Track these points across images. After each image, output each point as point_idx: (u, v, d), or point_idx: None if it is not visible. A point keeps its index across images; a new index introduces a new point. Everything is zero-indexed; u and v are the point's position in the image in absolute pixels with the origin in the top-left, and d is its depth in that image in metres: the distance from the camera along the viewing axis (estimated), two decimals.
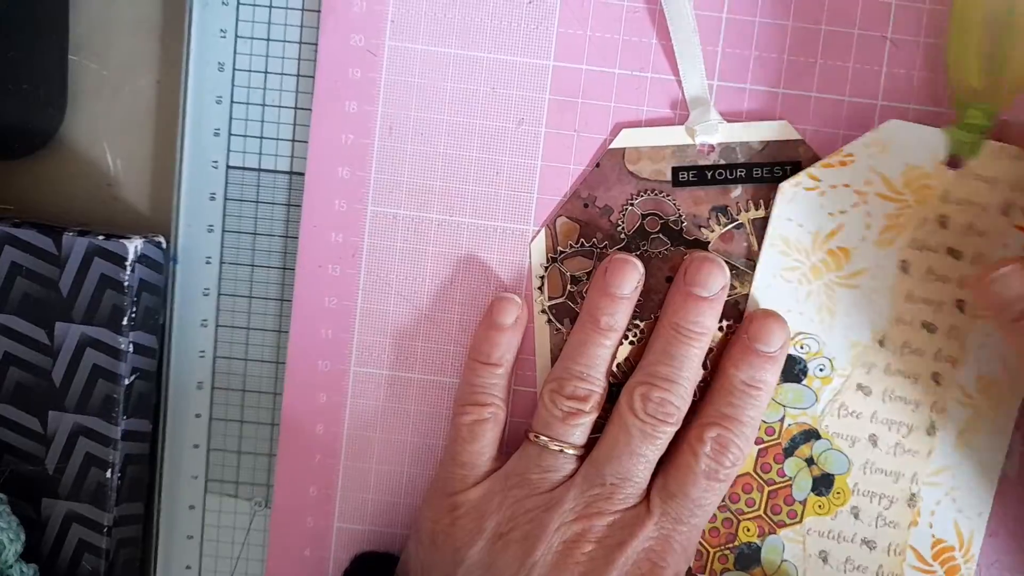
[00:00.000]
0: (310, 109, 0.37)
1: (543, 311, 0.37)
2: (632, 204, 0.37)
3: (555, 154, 0.37)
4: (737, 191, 0.37)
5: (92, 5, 0.38)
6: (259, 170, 0.38)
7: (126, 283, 0.36)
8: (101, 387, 0.36)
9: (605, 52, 0.37)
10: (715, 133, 0.36)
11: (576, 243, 0.37)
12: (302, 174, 0.38)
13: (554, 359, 0.37)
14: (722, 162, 0.37)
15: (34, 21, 0.37)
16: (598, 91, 0.37)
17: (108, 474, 0.36)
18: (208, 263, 0.38)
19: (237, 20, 0.37)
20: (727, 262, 0.36)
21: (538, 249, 0.37)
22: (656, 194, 0.37)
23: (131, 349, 0.36)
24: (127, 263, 0.36)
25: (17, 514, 0.35)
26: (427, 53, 0.37)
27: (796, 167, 0.36)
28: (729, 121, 0.37)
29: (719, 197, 0.37)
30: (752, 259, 0.37)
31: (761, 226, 0.37)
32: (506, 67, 0.37)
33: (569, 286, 0.37)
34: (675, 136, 0.37)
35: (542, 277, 0.37)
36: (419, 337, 0.38)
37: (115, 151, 0.39)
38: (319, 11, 0.37)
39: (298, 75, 0.38)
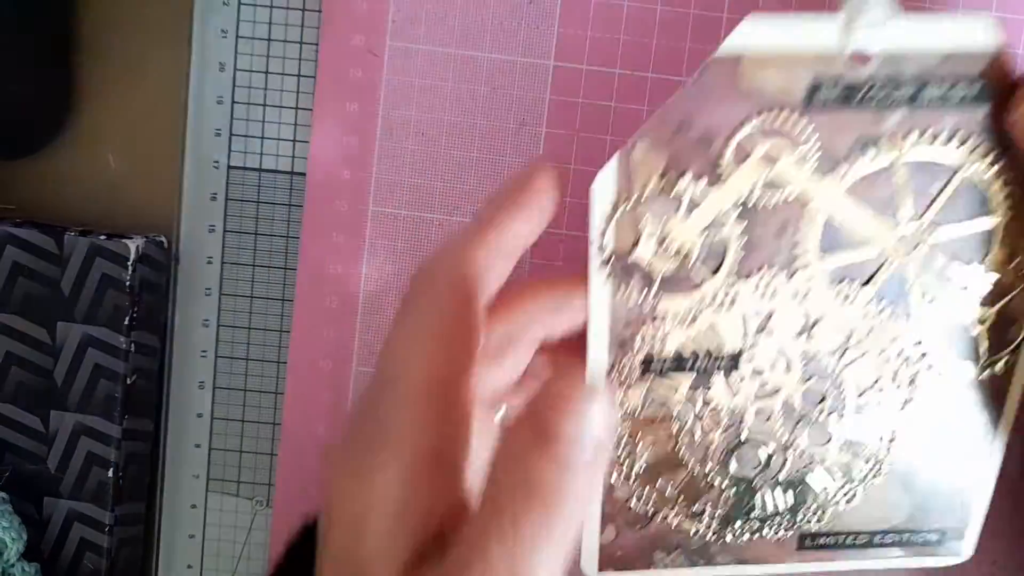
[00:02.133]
0: (311, 109, 0.37)
1: (605, 263, 0.28)
2: (743, 132, 0.27)
3: (556, 154, 0.37)
4: (895, 117, 0.27)
5: (94, 5, 0.38)
6: (260, 170, 0.38)
7: (128, 283, 0.36)
8: (103, 386, 0.36)
9: (606, 52, 0.37)
10: (880, 30, 0.26)
11: (659, 183, 0.28)
12: (303, 174, 0.38)
13: (613, 329, 0.29)
14: (882, 76, 0.27)
15: (37, 21, 0.37)
16: (599, 91, 0.37)
17: (110, 473, 0.36)
18: (209, 263, 0.38)
19: (238, 20, 0.37)
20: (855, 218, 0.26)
21: (605, 187, 0.28)
22: (779, 119, 0.27)
23: (132, 349, 0.36)
24: (129, 263, 0.36)
25: (19, 513, 0.36)
26: (428, 53, 0.37)
27: (982, 89, 0.27)
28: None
29: (869, 125, 0.27)
30: (897, 216, 0.28)
31: (923, 172, 0.28)
32: (507, 67, 0.37)
33: (643, 235, 0.28)
34: (821, 34, 0.26)
35: (606, 225, 0.28)
36: None
37: (117, 151, 0.39)
38: (320, 11, 0.37)
39: (299, 75, 0.38)
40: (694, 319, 0.29)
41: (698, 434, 0.30)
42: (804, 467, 0.31)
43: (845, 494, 0.31)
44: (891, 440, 0.31)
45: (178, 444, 0.39)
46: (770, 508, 0.32)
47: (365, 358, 0.38)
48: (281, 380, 0.39)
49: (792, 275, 0.29)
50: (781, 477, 0.31)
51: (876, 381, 0.30)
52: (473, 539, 0.22)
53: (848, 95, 0.27)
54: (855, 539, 0.32)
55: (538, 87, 0.37)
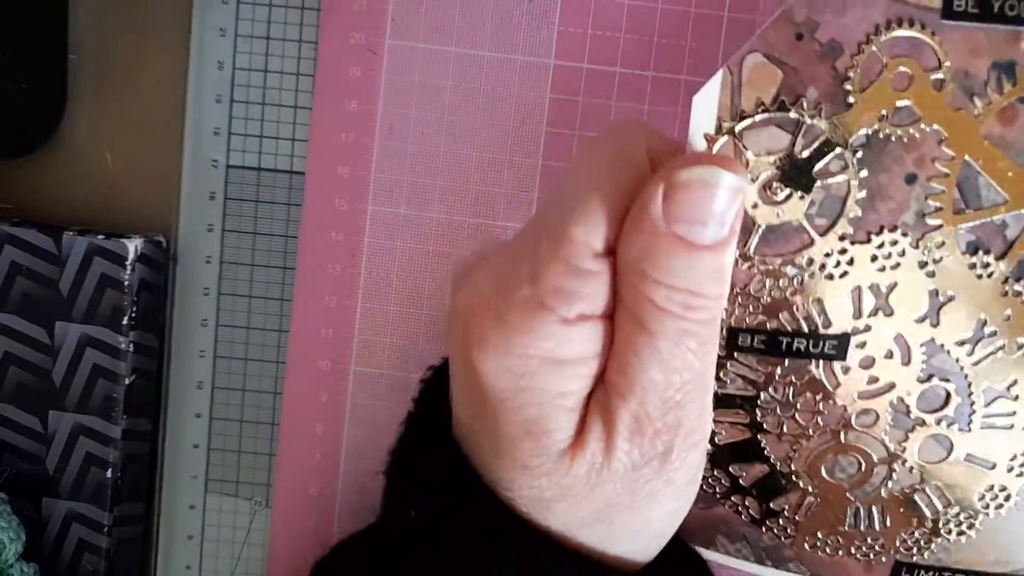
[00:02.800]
0: (310, 108, 0.37)
1: None
2: (877, 42, 0.22)
3: (556, 153, 0.37)
4: None
5: (91, 4, 0.38)
6: (259, 169, 0.38)
7: (126, 282, 0.36)
8: (101, 387, 0.36)
9: (606, 51, 0.37)
10: None
11: (772, 103, 0.23)
12: (302, 173, 0.38)
13: None
14: None
15: (33, 20, 0.36)
16: (599, 90, 0.37)
17: (108, 474, 0.36)
18: (208, 263, 0.38)
19: (237, 19, 0.37)
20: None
21: (706, 107, 0.23)
22: (915, 28, 0.22)
23: (131, 349, 0.36)
24: (127, 262, 0.36)
25: (17, 514, 0.35)
26: (428, 52, 0.37)
27: None
28: None
29: (1007, 47, 0.22)
30: None
31: None
32: (507, 66, 0.37)
33: (749, 172, 0.23)
34: None
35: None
36: (419, 337, 0.38)
37: (115, 150, 0.38)
38: (319, 9, 0.37)
39: (298, 74, 0.38)
40: (797, 286, 0.24)
41: (785, 428, 0.25)
42: (912, 485, 0.26)
43: (958, 524, 0.26)
44: (1023, 464, 0.26)
45: (177, 444, 0.39)
46: (861, 524, 0.26)
47: (364, 358, 0.38)
48: (280, 380, 0.39)
49: (921, 238, 0.23)
50: (883, 493, 0.26)
51: (1012, 386, 0.25)
52: (635, 351, 0.22)
53: (986, 4, 0.22)
54: None
55: (538, 86, 0.37)
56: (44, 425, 0.36)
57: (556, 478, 0.23)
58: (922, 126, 0.23)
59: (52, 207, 0.38)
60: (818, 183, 0.23)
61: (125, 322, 0.36)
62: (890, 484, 0.26)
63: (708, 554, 0.28)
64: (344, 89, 0.37)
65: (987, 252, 0.24)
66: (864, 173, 0.23)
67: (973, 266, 0.24)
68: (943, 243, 0.23)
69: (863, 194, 0.23)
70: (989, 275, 0.24)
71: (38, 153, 0.38)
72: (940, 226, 0.23)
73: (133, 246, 0.36)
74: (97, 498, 0.36)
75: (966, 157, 0.23)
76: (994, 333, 0.24)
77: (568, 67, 0.37)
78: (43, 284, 0.36)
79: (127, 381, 0.36)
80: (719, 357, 0.24)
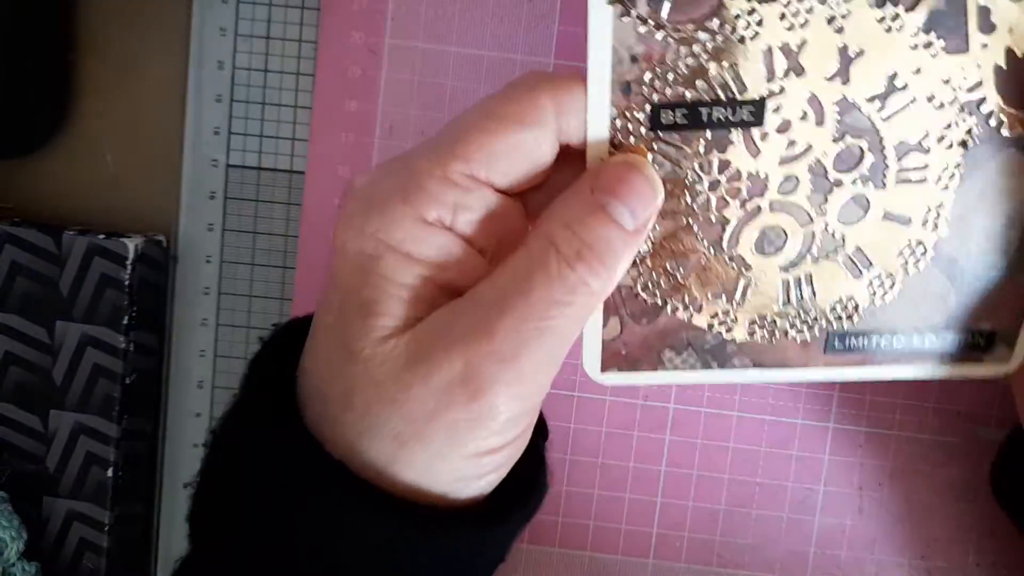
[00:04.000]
0: (310, 108, 0.37)
1: None
2: None
3: None
4: None
5: (92, 4, 0.38)
6: (259, 169, 0.38)
7: (126, 282, 0.36)
8: (102, 386, 0.36)
9: None
10: None
11: None
12: (302, 173, 0.38)
13: (616, 66, 0.24)
14: None
15: (35, 20, 0.36)
16: None
17: (109, 473, 0.36)
18: (208, 262, 0.38)
19: (237, 18, 0.37)
20: None
21: None
22: None
23: (131, 348, 0.36)
24: (127, 262, 0.36)
25: (18, 513, 0.36)
26: (427, 51, 0.37)
27: None
28: None
29: None
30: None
31: None
32: (507, 65, 0.37)
33: None
34: None
35: None
36: None
37: (115, 150, 0.38)
38: (319, 9, 0.37)
39: (298, 73, 0.38)
40: (711, 53, 0.24)
41: (713, 206, 0.26)
42: (834, 249, 0.26)
43: (881, 284, 0.27)
44: (937, 217, 0.26)
45: (177, 443, 0.39)
46: (793, 298, 0.27)
47: None
48: None
49: None
50: (808, 261, 0.27)
51: (923, 139, 0.25)
52: (513, 272, 0.24)
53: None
54: (891, 341, 0.27)
55: None
56: (45, 424, 0.36)
57: (373, 367, 0.24)
58: None
59: (53, 207, 0.38)
60: None
61: (125, 321, 0.36)
62: (814, 250, 0.26)
63: (657, 376, 0.28)
64: (344, 89, 0.37)
65: (896, 3, 0.24)
66: None
67: (882, 19, 0.24)
68: None
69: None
70: (899, 28, 0.24)
71: (39, 153, 0.38)
72: None
73: (133, 246, 0.36)
74: (98, 497, 0.37)
75: None
76: (905, 87, 0.24)
77: (568, 67, 0.37)
78: (43, 284, 0.36)
79: (127, 380, 0.36)
80: (644, 139, 0.25)
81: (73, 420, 0.36)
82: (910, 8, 0.24)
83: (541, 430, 0.28)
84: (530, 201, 0.26)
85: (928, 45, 0.24)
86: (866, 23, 0.24)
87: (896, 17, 0.24)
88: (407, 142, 0.37)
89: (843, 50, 0.24)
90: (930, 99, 0.25)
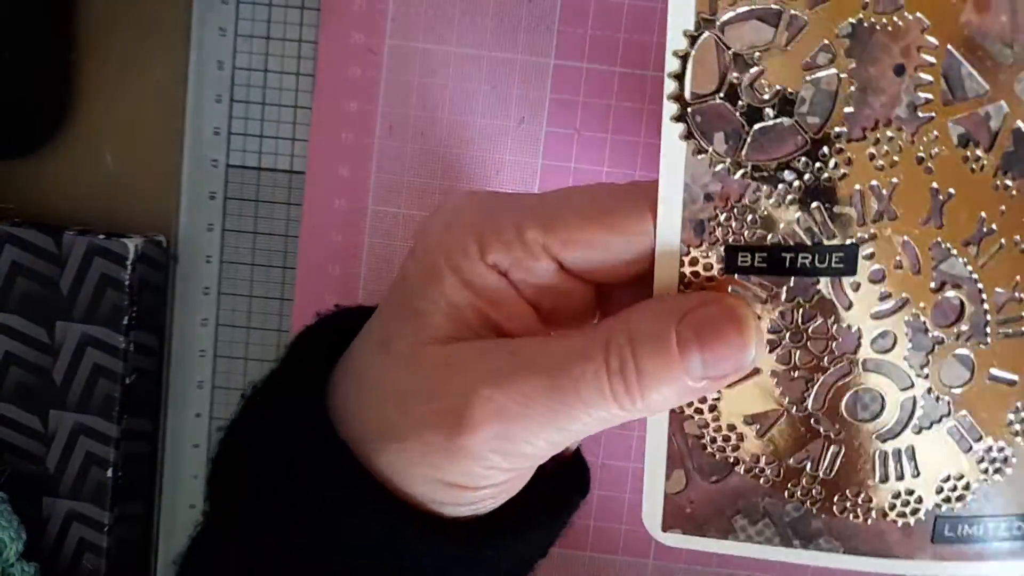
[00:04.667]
0: (310, 108, 0.37)
1: (678, 117, 0.22)
2: None
3: (556, 153, 0.37)
4: None
5: (92, 4, 0.38)
6: (259, 169, 0.38)
7: (126, 282, 0.36)
8: (102, 386, 0.36)
9: (606, 50, 0.37)
10: None
11: None
12: (302, 173, 0.38)
13: (688, 203, 0.23)
14: None
15: (34, 20, 0.36)
16: (599, 89, 0.37)
17: (109, 473, 0.36)
18: (208, 262, 0.38)
19: (237, 18, 0.37)
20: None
21: (683, 3, 0.22)
22: None
23: (131, 348, 0.36)
24: (127, 262, 0.36)
25: (18, 513, 0.36)
26: (427, 51, 0.37)
27: None
28: None
29: None
30: (1013, 46, 0.22)
31: None
32: (507, 65, 0.37)
33: (731, 73, 0.22)
34: None
35: (684, 57, 0.22)
36: None
37: (115, 150, 0.38)
38: (319, 9, 0.37)
39: (298, 73, 0.38)
40: (796, 194, 0.22)
41: (797, 361, 0.23)
42: (939, 419, 0.23)
43: (993, 460, 0.24)
44: None
45: (177, 444, 0.39)
46: (892, 474, 0.24)
47: None
48: None
49: (915, 133, 0.22)
50: (909, 432, 0.24)
51: (1016, 287, 0.23)
52: (557, 346, 0.23)
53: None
54: (1011, 527, 0.24)
55: (538, 85, 0.37)
56: (44, 424, 0.36)
57: (399, 362, 0.25)
58: (905, 14, 0.21)
59: (53, 207, 0.38)
60: (807, 78, 0.22)
61: (125, 322, 0.36)
62: (916, 418, 0.24)
63: (729, 547, 0.25)
64: (344, 89, 0.37)
65: (976, 145, 0.22)
66: (853, 64, 0.22)
67: (966, 159, 0.22)
68: (937, 136, 0.22)
69: (854, 88, 0.22)
70: (981, 168, 0.22)
71: (39, 153, 0.38)
72: (932, 118, 0.22)
73: (133, 246, 0.36)
74: (97, 497, 0.36)
75: (948, 46, 0.22)
76: (992, 231, 0.23)
77: (568, 67, 0.37)
78: (43, 284, 0.36)
79: (127, 381, 0.36)
80: (718, 283, 0.23)
81: (73, 420, 0.36)
82: (987, 149, 0.22)
83: (581, 485, 0.28)
84: (610, 293, 0.26)
85: (1007, 187, 0.22)
86: (952, 163, 0.22)
87: (978, 158, 0.22)
88: (407, 142, 0.37)
89: (934, 192, 0.22)
90: (1016, 243, 0.23)
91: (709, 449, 0.24)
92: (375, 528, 0.25)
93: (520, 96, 0.37)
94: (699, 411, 0.24)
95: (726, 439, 0.24)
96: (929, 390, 0.23)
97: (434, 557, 0.25)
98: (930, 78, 0.22)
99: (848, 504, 0.24)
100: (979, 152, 0.22)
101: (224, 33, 0.37)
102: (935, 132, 0.22)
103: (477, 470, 0.24)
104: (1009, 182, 0.22)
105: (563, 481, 0.28)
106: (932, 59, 0.22)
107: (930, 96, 0.22)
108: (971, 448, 0.24)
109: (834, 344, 0.23)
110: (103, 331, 0.36)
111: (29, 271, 0.36)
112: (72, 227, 0.37)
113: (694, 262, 0.23)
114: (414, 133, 0.37)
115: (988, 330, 0.23)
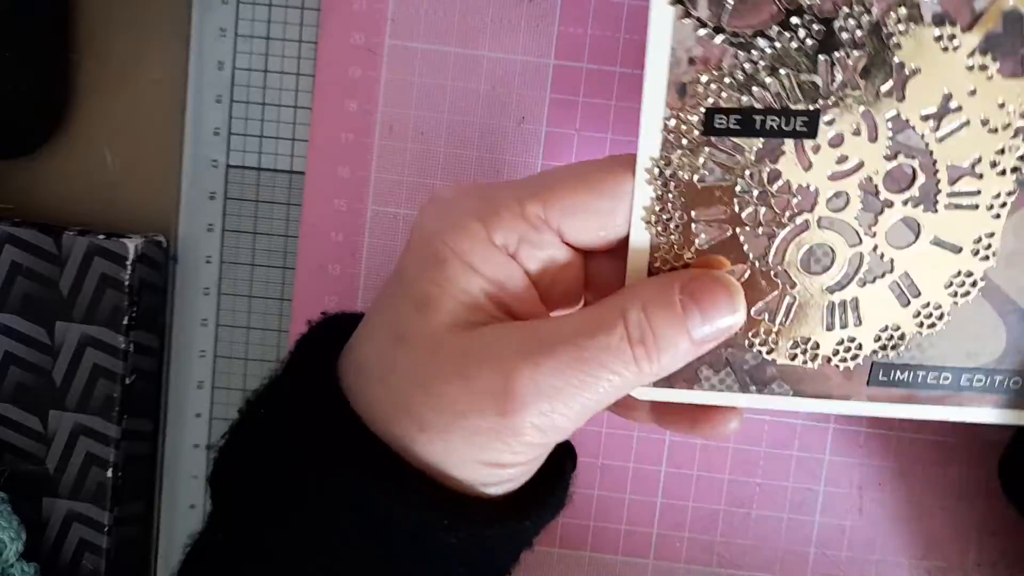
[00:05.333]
0: (310, 108, 0.37)
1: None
2: None
3: (556, 153, 0.37)
4: None
5: (92, 4, 0.38)
6: (259, 169, 0.38)
7: (126, 282, 0.36)
8: (101, 386, 0.36)
9: (606, 50, 0.36)
10: None
11: None
12: (302, 173, 0.38)
13: (673, 66, 0.24)
14: None
15: (34, 20, 0.36)
16: (599, 90, 0.37)
17: (109, 473, 0.36)
18: (208, 262, 0.38)
19: (237, 19, 0.37)
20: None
21: None
22: None
23: (131, 348, 0.36)
24: (127, 262, 0.36)
25: (18, 513, 0.35)
26: (427, 52, 0.37)
27: None
28: None
29: None
30: None
31: None
32: (507, 66, 0.37)
33: None
34: None
35: None
36: None
37: (115, 150, 0.38)
38: (319, 10, 0.37)
39: (298, 74, 0.38)
40: (768, 61, 0.24)
41: (760, 217, 0.25)
42: (882, 274, 0.26)
43: (929, 315, 0.26)
44: (988, 247, 0.25)
45: (177, 444, 0.39)
46: (838, 322, 0.26)
47: None
48: None
49: (887, 10, 0.23)
50: (854, 284, 0.26)
51: (975, 163, 0.24)
52: (579, 323, 0.25)
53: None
54: (938, 378, 0.26)
55: (538, 85, 0.37)
56: (44, 425, 0.36)
57: (417, 353, 0.25)
58: None
59: (53, 207, 0.38)
60: None
61: (125, 322, 0.36)
62: (862, 273, 0.26)
63: (693, 395, 0.28)
64: (344, 89, 0.37)
65: (953, 23, 0.23)
66: None
67: (939, 38, 0.23)
68: (907, 14, 0.23)
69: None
70: (955, 48, 0.23)
71: (39, 153, 0.38)
72: None
73: (133, 246, 0.36)
74: (97, 498, 0.36)
75: None
76: (959, 108, 0.24)
77: (568, 67, 0.37)
78: (43, 284, 0.36)
79: (127, 381, 0.36)
80: (696, 143, 0.25)
81: (73, 420, 0.36)
82: (967, 28, 0.23)
83: (571, 456, 0.30)
84: (592, 265, 0.28)
85: (984, 67, 0.24)
86: (923, 41, 0.23)
87: (953, 37, 0.23)
88: (407, 142, 0.37)
89: (899, 66, 0.24)
90: (984, 122, 0.24)
91: None
92: (427, 518, 0.25)
93: (520, 96, 0.37)
94: (674, 269, 0.26)
95: None
96: (875, 248, 0.25)
97: (484, 537, 0.26)
98: None
99: (798, 351, 0.27)
100: (954, 31, 0.23)
101: (224, 33, 0.37)
102: (904, 11, 0.23)
103: (518, 447, 0.25)
104: (988, 63, 0.23)
105: (555, 456, 0.29)
106: None
107: None
108: (909, 303, 0.26)
109: (794, 202, 0.25)
110: (103, 331, 0.36)
111: (29, 271, 0.36)
112: (72, 227, 0.37)
113: (676, 122, 0.25)
114: (414, 133, 0.37)
115: (937, 199, 0.25)
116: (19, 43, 0.36)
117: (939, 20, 0.23)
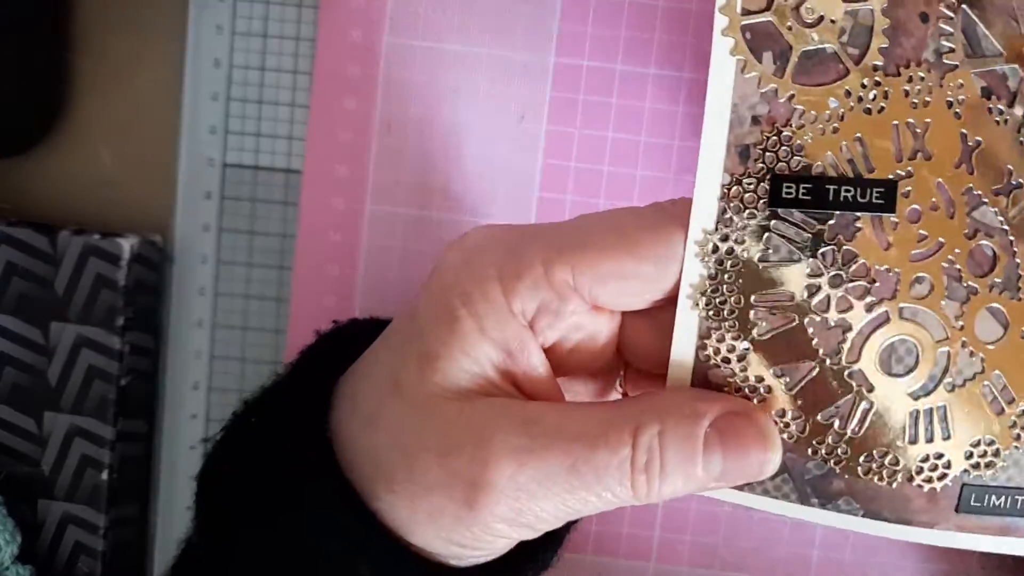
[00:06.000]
0: (307, 106, 0.37)
1: (729, 32, 0.22)
2: None
3: (556, 151, 0.37)
4: None
5: (89, 2, 0.37)
6: (256, 168, 0.38)
7: (121, 283, 0.36)
8: (97, 387, 0.36)
9: (607, 48, 0.36)
10: None
11: None
12: (299, 172, 0.37)
13: (734, 123, 0.22)
14: None
15: (31, 18, 0.36)
16: (600, 87, 0.36)
17: (104, 475, 0.36)
18: (204, 262, 0.38)
19: (234, 16, 0.37)
20: None
21: None
22: None
23: (127, 349, 0.36)
24: (122, 262, 0.36)
25: (13, 516, 0.35)
26: (426, 49, 0.36)
27: None
28: None
29: None
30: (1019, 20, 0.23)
31: None
32: (506, 64, 0.36)
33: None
34: None
35: None
36: None
37: (110, 149, 0.38)
38: (317, 7, 0.37)
39: (295, 72, 0.37)
40: (840, 123, 0.22)
41: (833, 307, 0.23)
42: (972, 376, 0.22)
43: None
44: None
45: (173, 445, 0.39)
46: (922, 435, 0.23)
47: None
48: None
49: (943, 77, 0.22)
50: (942, 389, 0.23)
51: None
52: (584, 424, 0.23)
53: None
54: None
55: (538, 83, 0.36)
56: (39, 426, 0.36)
57: (409, 407, 0.24)
58: None
59: (47, 206, 0.38)
60: (846, 8, 0.22)
61: (120, 322, 0.36)
62: (951, 376, 0.23)
63: (743, 498, 0.25)
64: (342, 87, 0.37)
65: (999, 99, 0.22)
66: (885, 4, 0.22)
67: (991, 111, 0.22)
68: (962, 84, 0.22)
69: (887, 24, 0.22)
70: (1005, 122, 0.22)
71: (34, 152, 0.38)
72: (957, 66, 0.22)
73: (128, 246, 0.36)
74: (93, 500, 0.36)
75: (964, 6, 0.22)
76: (1020, 184, 0.22)
77: (569, 65, 0.36)
78: (38, 284, 0.36)
79: (122, 382, 0.36)
80: (762, 221, 0.23)
81: (68, 422, 0.36)
82: (1010, 104, 0.22)
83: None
84: (629, 324, 0.25)
85: None
86: (979, 112, 0.22)
87: (1002, 111, 0.22)
88: (405, 141, 0.37)
89: (964, 137, 0.22)
90: None
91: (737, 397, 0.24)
92: (384, 572, 0.24)
93: (520, 94, 0.37)
94: (726, 360, 0.23)
95: (752, 390, 0.23)
96: (964, 343, 0.23)
97: None
98: (951, 29, 0.22)
99: (874, 465, 0.23)
100: (1001, 106, 0.22)
101: (221, 31, 0.37)
102: (960, 80, 0.22)
103: (485, 537, 0.24)
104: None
105: None
106: (951, 14, 0.22)
107: (953, 46, 0.22)
108: (1003, 410, 0.23)
109: (872, 288, 0.23)
110: (98, 332, 0.36)
111: (23, 271, 0.36)
112: (67, 227, 0.36)
113: (738, 188, 0.22)
114: (413, 132, 0.37)
115: (1020, 284, 0.23)
116: (15, 41, 0.36)
117: (987, 94, 0.22)
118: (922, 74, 0.22)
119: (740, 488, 0.24)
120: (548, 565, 0.27)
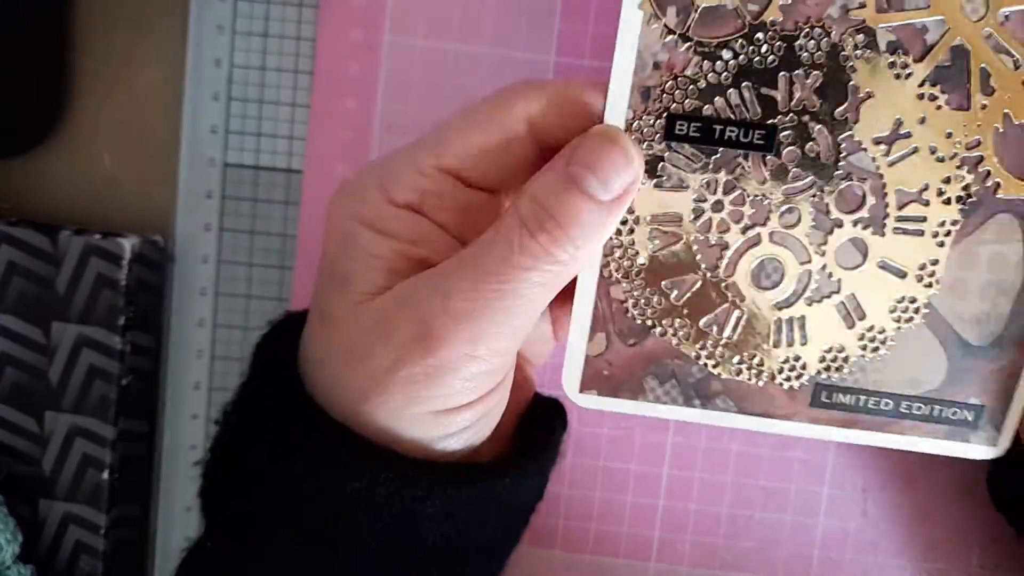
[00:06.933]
0: (308, 106, 0.37)
1: None
2: None
3: None
4: None
5: (89, 2, 0.37)
6: (257, 167, 0.38)
7: (123, 282, 0.36)
8: (98, 387, 0.36)
9: (608, 47, 0.36)
10: None
11: None
12: (300, 172, 0.37)
13: (638, 69, 0.25)
14: None
15: (32, 18, 0.36)
16: None
17: (105, 475, 0.36)
18: (205, 262, 0.38)
19: (235, 15, 0.37)
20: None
21: None
22: None
23: (128, 349, 0.36)
24: (124, 262, 0.36)
25: (14, 515, 0.35)
26: (427, 49, 0.36)
27: None
28: None
29: None
30: None
31: None
32: (507, 63, 0.36)
33: None
34: None
35: None
36: None
37: (111, 149, 0.38)
38: (317, 6, 0.37)
39: (296, 71, 0.37)
40: (732, 73, 0.25)
41: (714, 227, 0.26)
42: (828, 294, 0.26)
43: (872, 339, 0.27)
44: (931, 274, 0.26)
45: (174, 445, 0.39)
46: (784, 340, 0.27)
47: None
48: None
49: (844, 34, 0.24)
50: (802, 302, 0.26)
51: (923, 190, 0.25)
52: (479, 244, 0.25)
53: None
54: (879, 403, 0.27)
55: None
56: (40, 426, 0.36)
57: (344, 330, 0.25)
58: None
59: (49, 206, 0.38)
60: None
61: (122, 322, 0.36)
62: (810, 291, 0.26)
63: (637, 406, 0.28)
64: (343, 87, 0.36)
65: (906, 53, 0.24)
66: None
67: (892, 65, 0.24)
68: (866, 40, 0.24)
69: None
70: (907, 76, 0.24)
71: (35, 152, 0.38)
72: (863, 22, 0.24)
73: (130, 245, 0.36)
74: (94, 500, 0.36)
75: None
76: (909, 135, 0.25)
77: (569, 64, 0.36)
78: (39, 284, 0.36)
79: (124, 382, 0.36)
80: (657, 152, 0.25)
81: (69, 422, 0.36)
82: (918, 59, 0.24)
83: (560, 415, 0.30)
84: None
85: (933, 98, 0.25)
86: (878, 66, 0.25)
87: (906, 65, 0.24)
88: (406, 140, 0.36)
89: (854, 89, 0.25)
90: (932, 151, 0.25)
91: (631, 313, 0.27)
92: (399, 492, 0.25)
93: None
94: (626, 275, 0.26)
95: (647, 302, 0.27)
96: (824, 267, 0.26)
97: (462, 501, 0.26)
98: None
99: (744, 367, 0.27)
100: (907, 60, 0.24)
101: (222, 30, 0.37)
102: (864, 36, 0.24)
103: (457, 384, 0.25)
104: (937, 94, 0.25)
105: (543, 416, 0.29)
106: None
107: (863, 1, 0.24)
108: (854, 325, 0.27)
109: (748, 213, 0.26)
110: (99, 332, 0.36)
111: (25, 271, 0.36)
112: (68, 226, 0.36)
113: (638, 123, 0.25)
114: (413, 131, 0.37)
115: (885, 223, 0.26)
116: (15, 42, 0.36)
117: (893, 48, 0.24)
118: (821, 32, 0.24)
119: (635, 397, 0.27)
120: (549, 460, 0.28)
